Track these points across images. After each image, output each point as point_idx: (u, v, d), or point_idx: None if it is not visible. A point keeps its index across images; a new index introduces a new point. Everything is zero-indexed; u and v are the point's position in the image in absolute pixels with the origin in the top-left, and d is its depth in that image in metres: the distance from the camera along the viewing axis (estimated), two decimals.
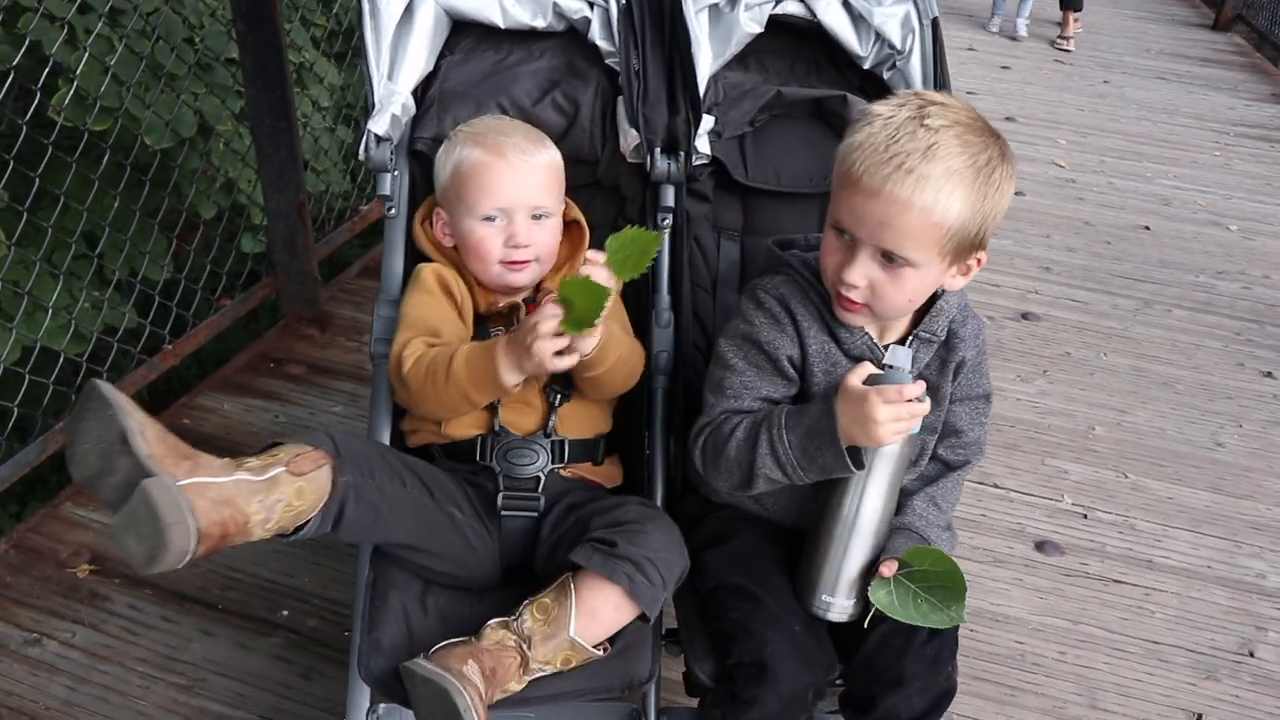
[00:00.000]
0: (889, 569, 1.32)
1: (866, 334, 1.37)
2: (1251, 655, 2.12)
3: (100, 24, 2.40)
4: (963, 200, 1.21)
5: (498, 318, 1.52)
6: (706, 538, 1.50)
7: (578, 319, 1.25)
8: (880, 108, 1.27)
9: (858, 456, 1.29)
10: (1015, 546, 2.35)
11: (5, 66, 2.12)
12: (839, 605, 1.37)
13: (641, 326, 1.62)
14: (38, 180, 2.21)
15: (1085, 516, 2.47)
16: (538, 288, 1.55)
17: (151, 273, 2.69)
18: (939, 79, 1.67)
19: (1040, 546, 2.36)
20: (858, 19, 1.69)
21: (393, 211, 1.61)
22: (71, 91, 2.32)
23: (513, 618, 1.34)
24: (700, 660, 1.43)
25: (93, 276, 2.55)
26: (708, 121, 1.63)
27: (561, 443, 1.50)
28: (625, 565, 1.32)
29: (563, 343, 1.28)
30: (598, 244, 1.53)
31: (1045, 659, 2.06)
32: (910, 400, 1.25)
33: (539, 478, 1.49)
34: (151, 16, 2.55)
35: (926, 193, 1.20)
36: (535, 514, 1.48)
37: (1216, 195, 4.49)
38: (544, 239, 1.51)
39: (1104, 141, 5.00)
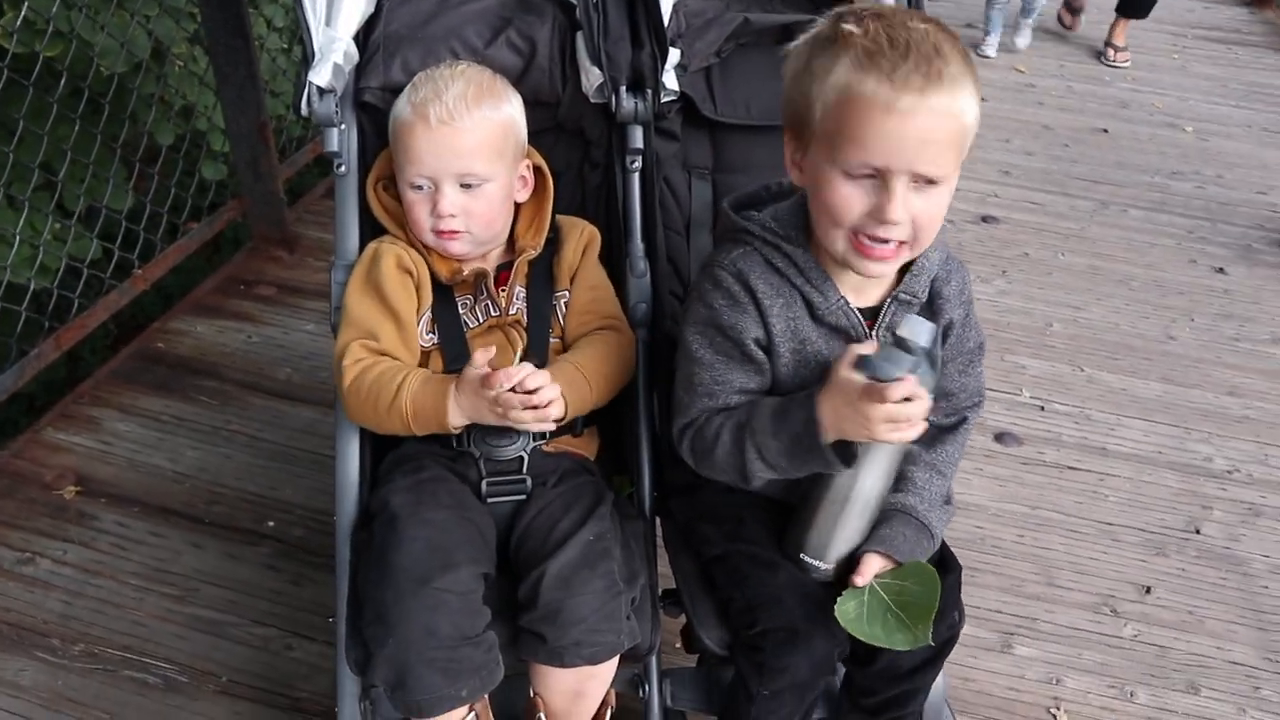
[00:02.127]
0: (863, 578, 1.25)
1: (842, 297, 1.25)
2: (1197, 532, 2.23)
3: None
4: (975, 96, 1.12)
5: (463, 286, 1.43)
6: (702, 509, 1.44)
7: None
8: (848, 25, 1.12)
9: (847, 453, 1.20)
10: (976, 438, 2.44)
11: None
12: (824, 569, 1.31)
13: (617, 278, 1.54)
14: None
15: (1042, 409, 2.56)
16: (511, 246, 1.47)
17: (115, 201, 2.67)
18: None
19: (999, 438, 2.45)
20: None
21: (342, 169, 1.49)
22: (21, 16, 2.28)
23: None
24: (709, 629, 1.36)
25: (55, 207, 2.53)
26: (674, 55, 1.53)
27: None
28: (568, 644, 1.26)
29: (531, 415, 1.27)
30: (560, 190, 1.50)
31: (1004, 542, 2.16)
32: (909, 400, 1.12)
33: (522, 457, 1.41)
34: None
35: (959, 94, 1.09)
36: (523, 496, 1.41)
37: (1173, 97, 4.55)
38: (478, 208, 1.39)
39: (1063, 47, 5.02)
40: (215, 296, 2.78)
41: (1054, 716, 1.82)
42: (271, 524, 2.10)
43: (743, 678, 1.32)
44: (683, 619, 1.48)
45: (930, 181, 1.12)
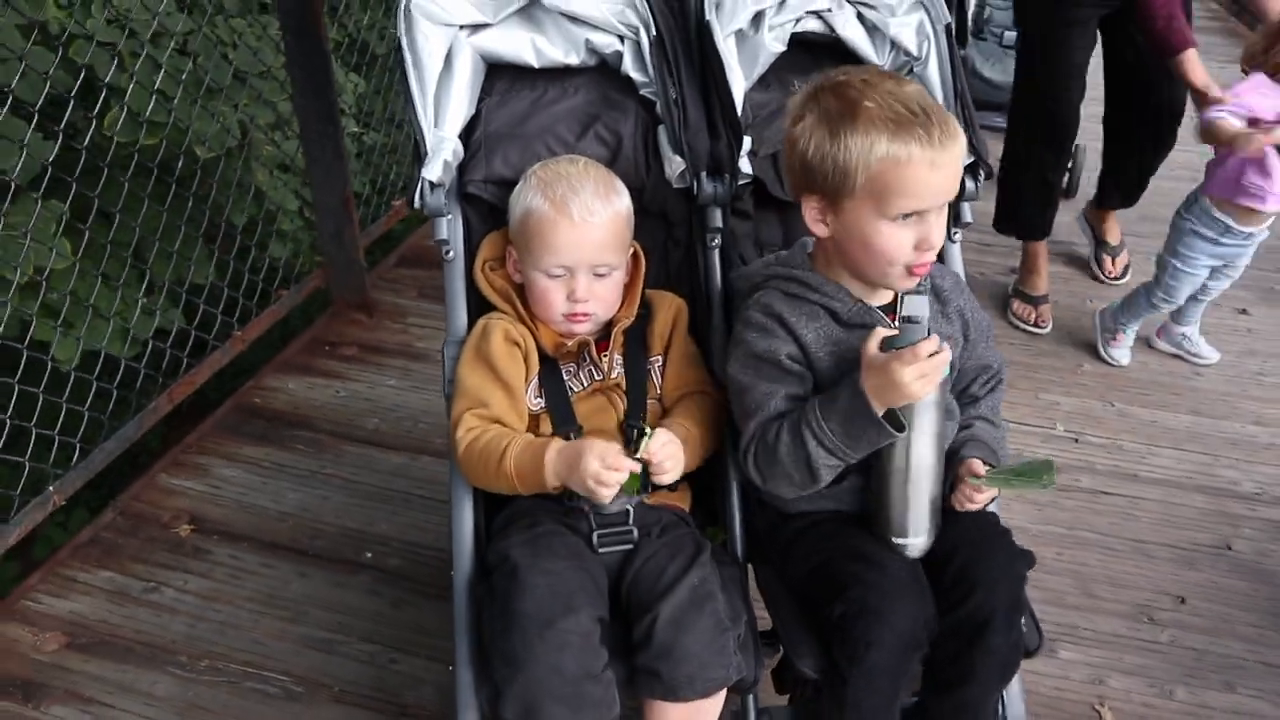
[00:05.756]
0: (975, 477, 1.45)
1: (859, 301, 1.46)
2: (1229, 549, 2.38)
3: (146, 49, 2.59)
4: None
5: (567, 355, 1.57)
6: (790, 538, 1.55)
7: (629, 487, 1.44)
8: (865, 101, 1.35)
9: (896, 420, 1.35)
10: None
11: (62, 93, 2.31)
12: (913, 544, 1.46)
13: (702, 346, 1.67)
14: (96, 200, 2.44)
15: (1076, 441, 2.73)
16: (610, 324, 1.59)
17: (199, 277, 2.90)
18: (956, 83, 1.72)
19: None
20: (872, 29, 1.74)
21: (450, 255, 1.64)
22: (124, 113, 2.51)
23: None
24: (802, 656, 1.46)
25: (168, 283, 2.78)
26: (747, 142, 1.67)
27: (643, 474, 1.49)
28: (681, 678, 1.38)
29: (613, 492, 1.41)
30: (647, 268, 1.63)
31: (1044, 558, 2.29)
32: (930, 355, 1.32)
33: (628, 510, 1.53)
34: (190, 36, 2.78)
35: (956, 127, 1.37)
36: (631, 545, 1.51)
37: (1193, 153, 4.74)
38: (605, 294, 1.55)
39: None
40: (302, 356, 3.03)
41: (1099, 714, 1.97)
42: (370, 555, 2.31)
43: (837, 667, 1.41)
44: (774, 663, 1.62)
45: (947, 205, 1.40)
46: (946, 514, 1.50)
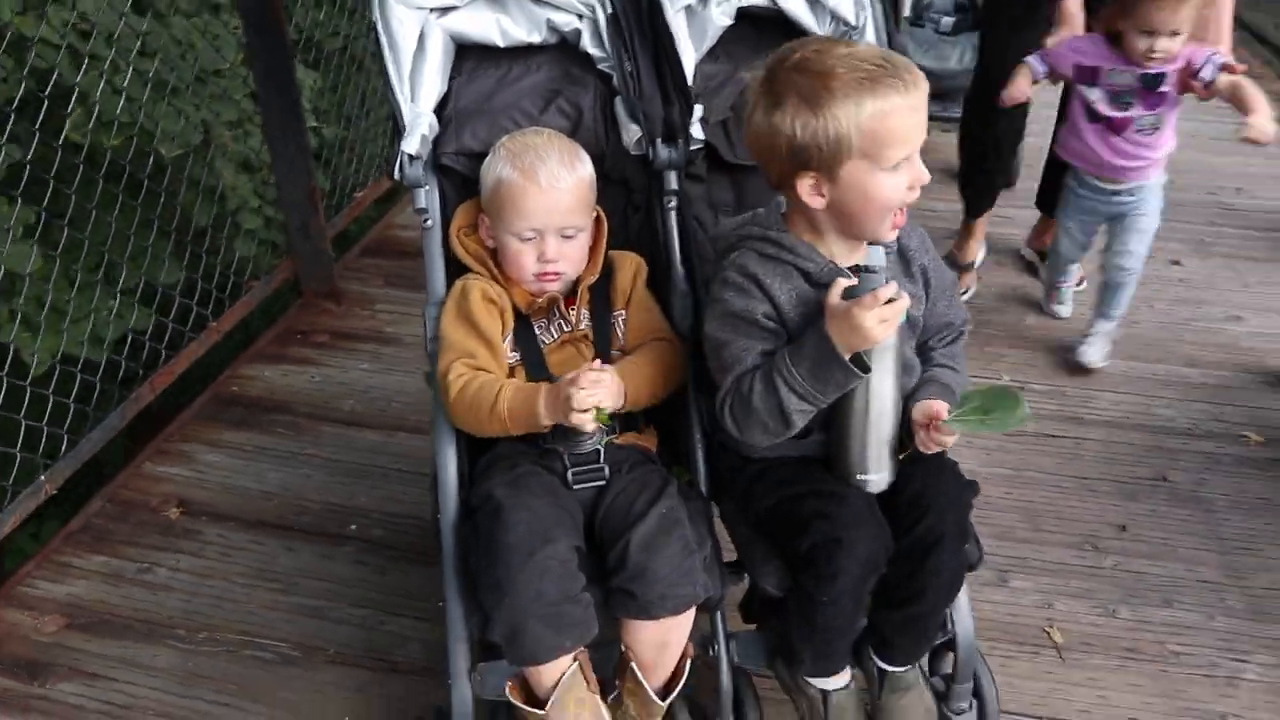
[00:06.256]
0: (939, 418, 1.49)
1: (830, 261, 1.52)
2: (1165, 480, 2.54)
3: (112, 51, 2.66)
4: None
5: (538, 312, 1.69)
6: (751, 478, 1.65)
7: (601, 418, 1.53)
8: (837, 67, 1.41)
9: (862, 361, 1.43)
10: None
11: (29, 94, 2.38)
12: (874, 480, 1.56)
13: (663, 300, 1.79)
14: (73, 198, 2.51)
15: (1022, 389, 2.87)
16: (577, 282, 1.71)
17: (171, 275, 2.97)
18: (892, 47, 1.78)
19: None
20: (814, 2, 1.85)
21: (428, 223, 1.77)
22: (95, 115, 2.58)
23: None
24: (765, 576, 1.60)
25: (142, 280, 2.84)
26: (698, 110, 1.78)
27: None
28: (654, 597, 1.50)
29: (590, 417, 1.51)
30: (609, 230, 1.73)
31: (993, 497, 2.46)
32: (888, 301, 1.40)
33: (599, 450, 1.66)
34: (147, 37, 2.83)
35: (918, 70, 1.44)
36: (603, 481, 1.64)
37: None
38: (572, 254, 1.67)
39: None
40: (275, 346, 3.11)
41: (1048, 634, 2.11)
42: (354, 527, 2.41)
43: (806, 592, 1.54)
44: (742, 594, 1.74)
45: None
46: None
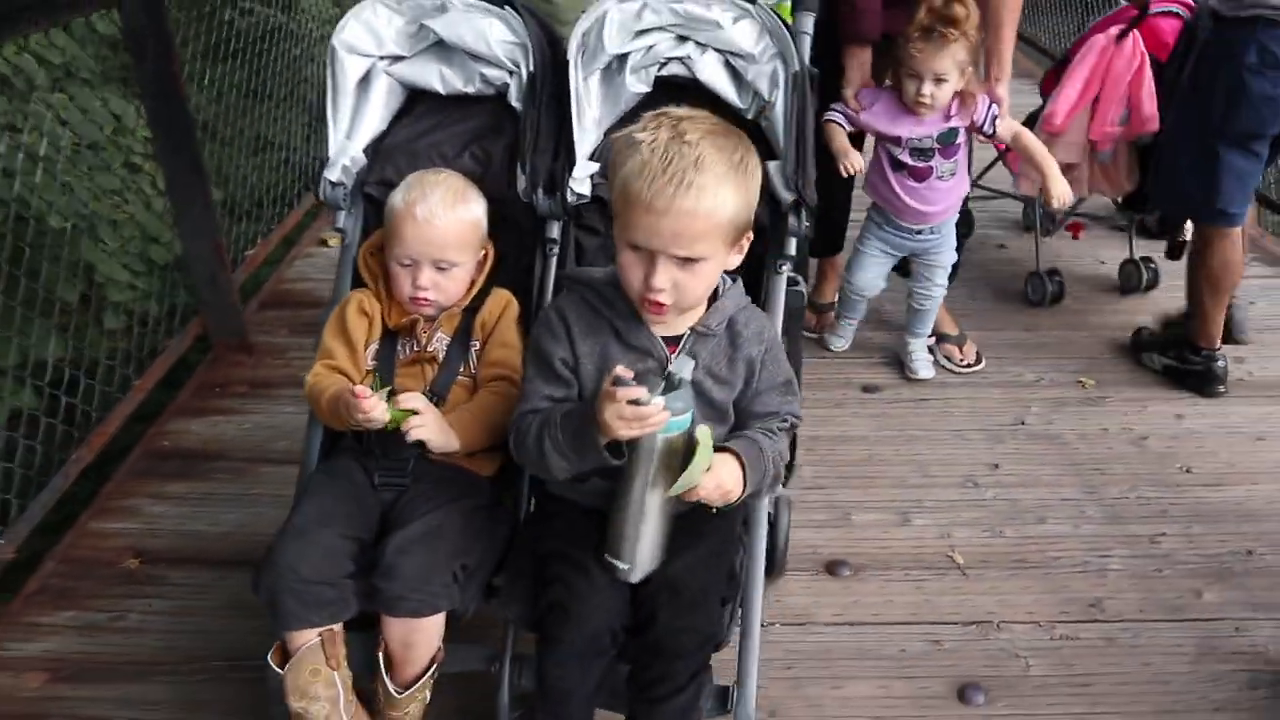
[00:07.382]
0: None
1: (646, 327, 1.56)
2: (1023, 424, 2.97)
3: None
4: (733, 195, 1.44)
5: (402, 329, 1.86)
6: (543, 517, 1.77)
7: (396, 416, 1.68)
8: (642, 134, 1.44)
9: (617, 449, 1.46)
10: (848, 392, 3.14)
11: None
12: (623, 570, 1.57)
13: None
14: None
15: (889, 365, 3.27)
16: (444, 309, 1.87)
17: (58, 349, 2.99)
18: (801, 126, 1.82)
19: (866, 389, 3.14)
20: (736, 75, 1.90)
21: (346, 241, 2.00)
22: None
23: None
24: (510, 603, 1.71)
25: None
26: (587, 166, 1.90)
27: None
28: (393, 596, 1.65)
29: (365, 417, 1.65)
30: (506, 268, 1.90)
31: (886, 455, 2.83)
32: (632, 404, 1.39)
33: (409, 460, 1.81)
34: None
35: (705, 199, 1.41)
36: (404, 486, 1.80)
37: None
38: (447, 285, 1.82)
39: None
40: (195, 400, 3.18)
41: (951, 557, 2.46)
42: None
43: (538, 646, 1.64)
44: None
45: (692, 259, 1.45)
46: (676, 542, 1.59)
